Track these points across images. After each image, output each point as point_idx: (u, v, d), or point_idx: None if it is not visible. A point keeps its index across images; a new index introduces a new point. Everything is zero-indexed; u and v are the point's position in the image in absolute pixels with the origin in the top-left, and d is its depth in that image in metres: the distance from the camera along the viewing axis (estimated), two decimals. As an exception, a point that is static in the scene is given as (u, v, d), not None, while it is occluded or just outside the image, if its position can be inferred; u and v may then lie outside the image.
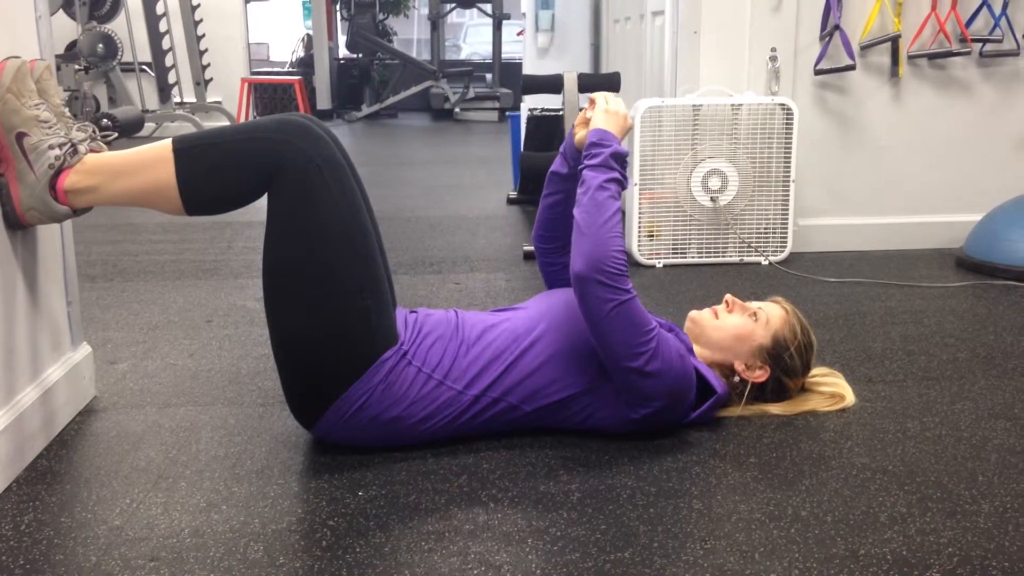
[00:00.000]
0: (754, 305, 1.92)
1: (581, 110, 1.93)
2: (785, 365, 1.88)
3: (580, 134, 1.89)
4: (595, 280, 1.65)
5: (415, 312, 1.85)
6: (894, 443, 1.82)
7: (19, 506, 1.56)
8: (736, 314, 1.90)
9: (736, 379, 1.89)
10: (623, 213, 1.76)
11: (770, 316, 1.88)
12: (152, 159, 1.65)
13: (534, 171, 4.00)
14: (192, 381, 2.17)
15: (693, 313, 1.94)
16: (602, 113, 1.84)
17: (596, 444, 1.80)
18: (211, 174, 1.66)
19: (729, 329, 1.88)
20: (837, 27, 3.37)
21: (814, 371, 1.99)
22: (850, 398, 1.99)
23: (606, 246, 1.67)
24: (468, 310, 1.90)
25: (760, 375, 1.88)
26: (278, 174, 1.64)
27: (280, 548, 1.43)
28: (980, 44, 3.47)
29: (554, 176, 1.99)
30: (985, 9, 3.43)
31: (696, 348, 1.89)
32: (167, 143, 1.66)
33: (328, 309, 1.65)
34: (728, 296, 1.93)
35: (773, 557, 1.40)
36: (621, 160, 1.78)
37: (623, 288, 1.67)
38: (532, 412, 1.76)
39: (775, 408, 1.92)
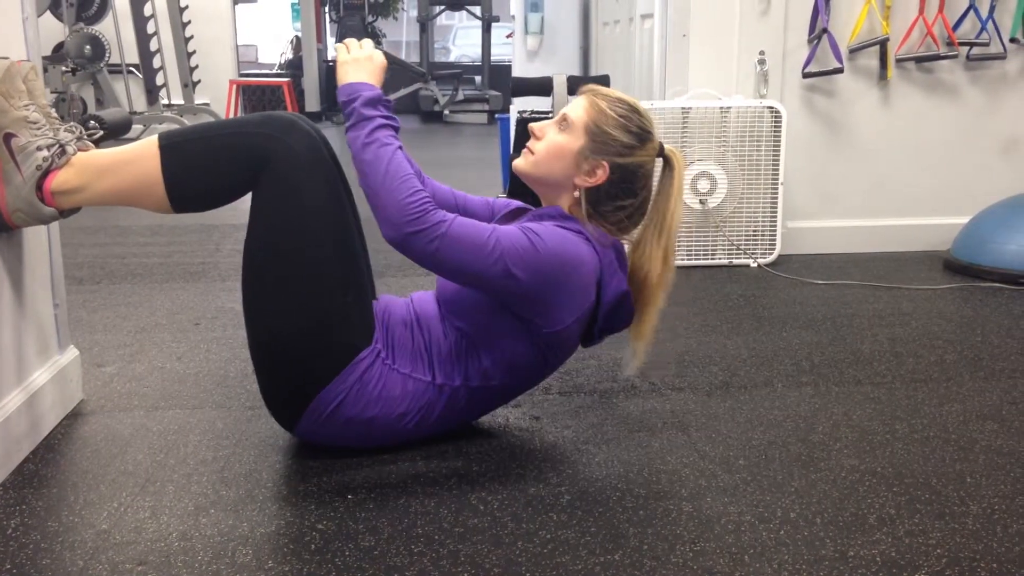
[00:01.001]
0: (560, 113, 1.75)
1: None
2: (613, 147, 1.69)
3: None
4: (408, 235, 1.56)
5: (376, 301, 1.80)
6: (882, 445, 1.82)
7: (5, 510, 1.55)
8: (546, 135, 1.74)
9: (577, 196, 1.73)
10: (402, 148, 1.65)
11: (572, 115, 1.72)
12: (138, 156, 1.64)
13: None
14: (180, 384, 2.16)
15: (513, 165, 1.79)
16: (344, 65, 1.70)
17: (585, 447, 1.80)
18: (197, 169, 1.65)
19: (543, 154, 1.73)
20: (825, 30, 3.38)
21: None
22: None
23: (396, 197, 1.56)
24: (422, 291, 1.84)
25: (600, 173, 1.70)
26: (264, 169, 1.63)
27: (269, 552, 1.43)
28: (967, 47, 3.48)
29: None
30: (972, 13, 3.45)
31: (553, 201, 1.76)
32: (153, 139, 1.66)
33: (306, 306, 1.64)
34: (531, 125, 1.78)
35: (762, 559, 1.40)
36: (376, 103, 1.64)
37: (434, 222, 1.56)
38: (499, 384, 1.74)
39: (671, 202, 1.74)
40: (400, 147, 1.63)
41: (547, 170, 1.73)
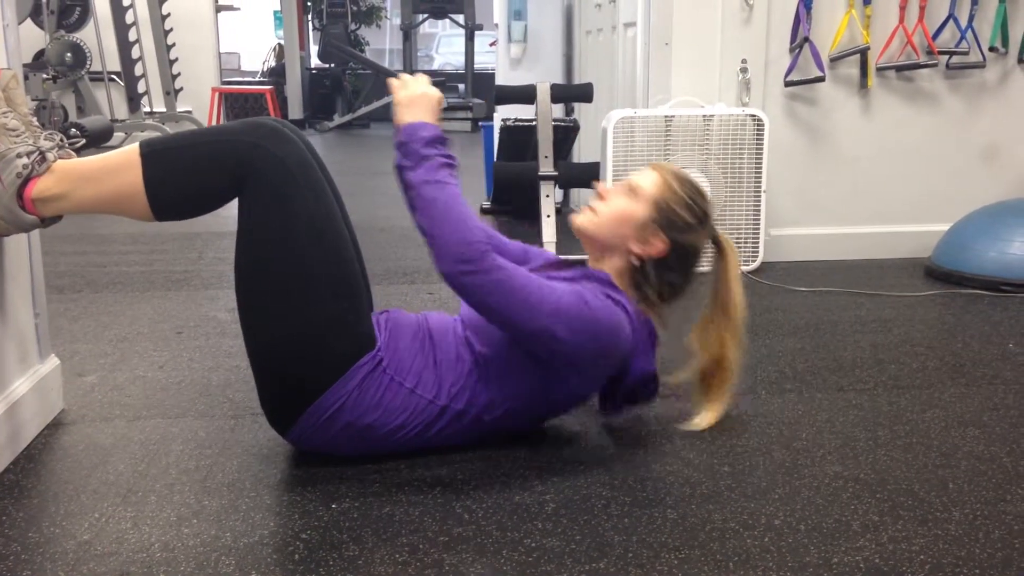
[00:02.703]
0: (627, 180, 1.81)
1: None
2: (678, 224, 1.75)
3: None
4: (461, 273, 1.58)
5: (386, 313, 1.81)
6: (865, 451, 1.83)
7: (-15, 521, 1.53)
8: (611, 198, 1.79)
9: (638, 262, 1.77)
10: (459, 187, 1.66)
11: (643, 185, 1.78)
12: (119, 163, 1.63)
13: (508, 181, 4.01)
14: (162, 393, 2.15)
15: (573, 223, 1.82)
16: (399, 107, 1.72)
17: (570, 454, 1.80)
18: (179, 177, 1.64)
19: (607, 216, 1.78)
20: (807, 39, 3.40)
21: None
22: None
23: (455, 236, 1.58)
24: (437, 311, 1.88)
25: (659, 245, 1.75)
26: (249, 177, 1.62)
27: (252, 562, 1.42)
28: (947, 56, 3.51)
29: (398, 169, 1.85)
30: (952, 22, 3.48)
31: (602, 263, 1.80)
32: (134, 147, 1.65)
33: (302, 312, 1.64)
34: (598, 186, 1.82)
35: (747, 566, 1.41)
36: (436, 143, 1.67)
37: (489, 266, 1.59)
38: (498, 418, 1.75)
39: (732, 288, 1.83)
40: (456, 185, 1.66)
41: (609, 232, 1.78)
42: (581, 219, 1.81)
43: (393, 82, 1.77)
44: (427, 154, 1.66)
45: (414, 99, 1.72)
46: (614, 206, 1.78)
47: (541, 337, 1.64)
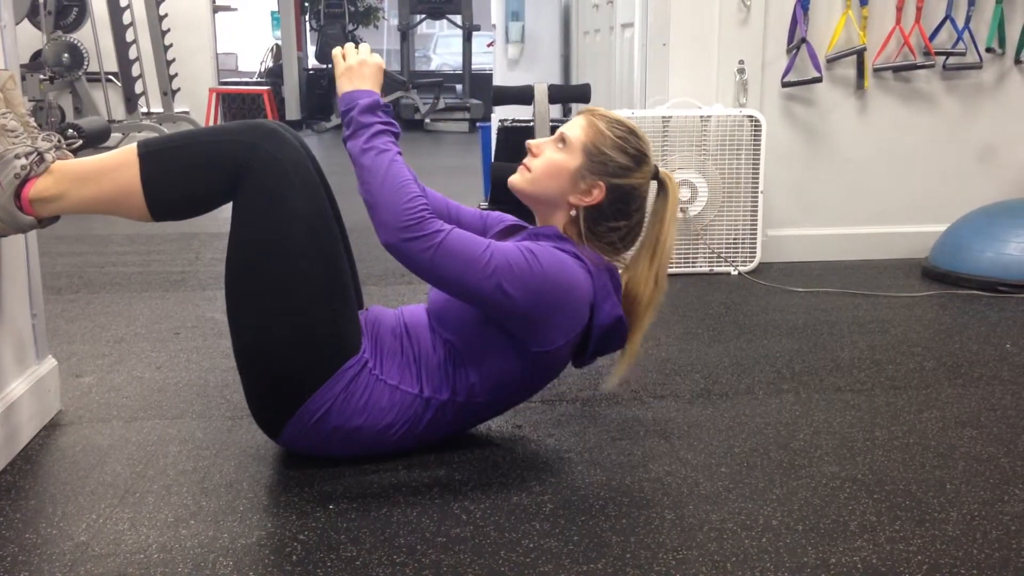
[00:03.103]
0: (558, 132, 1.75)
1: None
2: (611, 169, 1.70)
3: None
4: (403, 240, 1.56)
5: (366, 311, 1.80)
6: (863, 452, 1.83)
7: (-18, 523, 1.53)
8: (544, 152, 1.74)
9: (575, 214, 1.73)
10: (401, 154, 1.65)
11: (571, 134, 1.72)
12: (117, 164, 1.63)
13: (505, 181, 4.00)
14: (159, 394, 2.15)
15: (509, 182, 1.78)
16: (341, 77, 1.70)
17: (568, 455, 1.80)
18: (176, 177, 1.64)
19: (540, 171, 1.73)
20: (804, 40, 3.41)
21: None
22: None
23: (394, 204, 1.56)
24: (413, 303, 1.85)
25: (596, 193, 1.70)
26: (245, 177, 1.62)
27: (250, 563, 1.42)
28: (944, 57, 3.52)
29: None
30: (949, 23, 3.49)
31: (548, 220, 1.77)
32: (132, 147, 1.65)
33: (294, 313, 1.64)
34: (528, 142, 1.78)
35: (745, 567, 1.41)
36: (372, 109, 1.65)
37: (431, 230, 1.56)
38: (487, 400, 1.74)
39: (664, 228, 1.75)
40: (399, 152, 1.64)
41: (543, 188, 1.74)
42: (515, 178, 1.76)
43: (335, 53, 1.74)
44: (366, 121, 1.64)
45: (353, 68, 1.70)
46: (545, 159, 1.73)
47: (495, 297, 1.60)
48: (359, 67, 1.70)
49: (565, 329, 1.69)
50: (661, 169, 1.78)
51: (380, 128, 1.65)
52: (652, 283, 1.77)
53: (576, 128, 1.73)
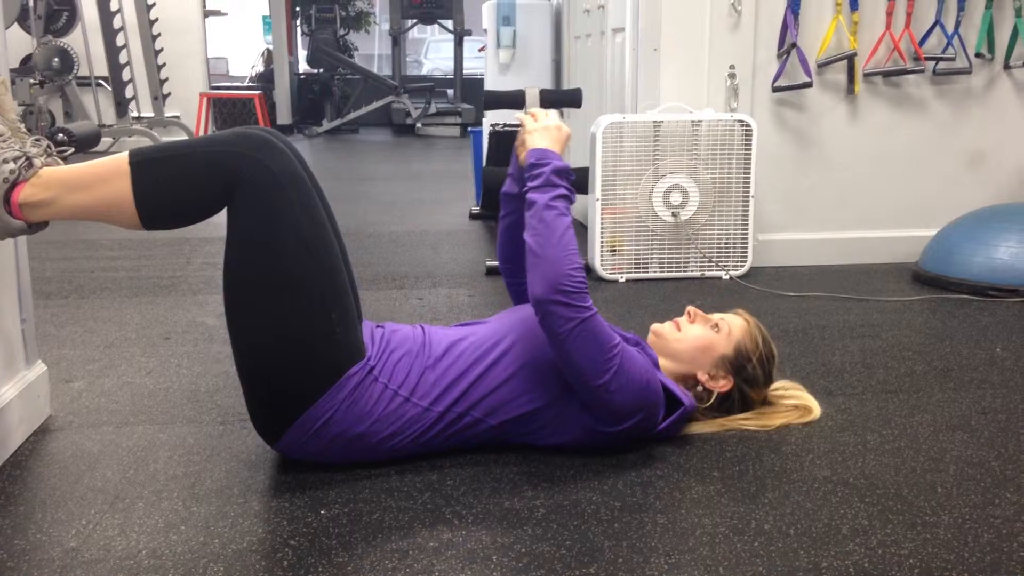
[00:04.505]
0: (715, 316, 1.92)
1: (518, 127, 1.90)
2: (747, 375, 1.88)
3: (521, 155, 1.86)
4: (554, 301, 1.64)
5: (382, 327, 1.83)
6: (854, 455, 1.83)
7: (-29, 529, 1.52)
8: (698, 325, 1.90)
9: (700, 389, 1.89)
10: (585, 227, 1.75)
11: (732, 327, 1.89)
12: (108, 172, 1.62)
13: (496, 186, 3.99)
14: (150, 399, 2.14)
15: (655, 326, 1.94)
16: (534, 132, 1.82)
17: (560, 459, 1.80)
18: (168, 187, 1.63)
19: (691, 340, 1.88)
20: (794, 45, 3.42)
21: (776, 384, 2.00)
22: (816, 410, 2.01)
23: (561, 265, 1.65)
24: (432, 324, 1.89)
25: (724, 385, 1.88)
26: (238, 187, 1.62)
27: (240, 569, 1.41)
28: (933, 62, 3.53)
29: (506, 197, 1.99)
30: (938, 28, 3.50)
31: (660, 361, 1.88)
32: (123, 156, 1.64)
33: (292, 323, 1.64)
34: (690, 307, 1.93)
35: (737, 571, 1.41)
36: (564, 174, 1.76)
37: (583, 306, 1.65)
38: (498, 425, 1.75)
39: (747, 423, 1.92)
40: (571, 222, 1.74)
41: (689, 356, 1.88)
42: (664, 327, 1.91)
43: (524, 116, 1.87)
44: (555, 182, 1.75)
45: (549, 129, 1.83)
46: (700, 333, 1.88)
47: (598, 390, 1.69)
48: (557, 131, 1.83)
49: (626, 430, 1.77)
50: (769, 395, 1.97)
51: (565, 192, 1.75)
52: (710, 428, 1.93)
53: (736, 324, 1.90)
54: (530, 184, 1.76)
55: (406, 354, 1.74)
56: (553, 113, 1.86)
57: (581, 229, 1.91)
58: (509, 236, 2.00)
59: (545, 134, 1.82)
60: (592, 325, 1.66)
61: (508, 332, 1.80)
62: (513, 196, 1.96)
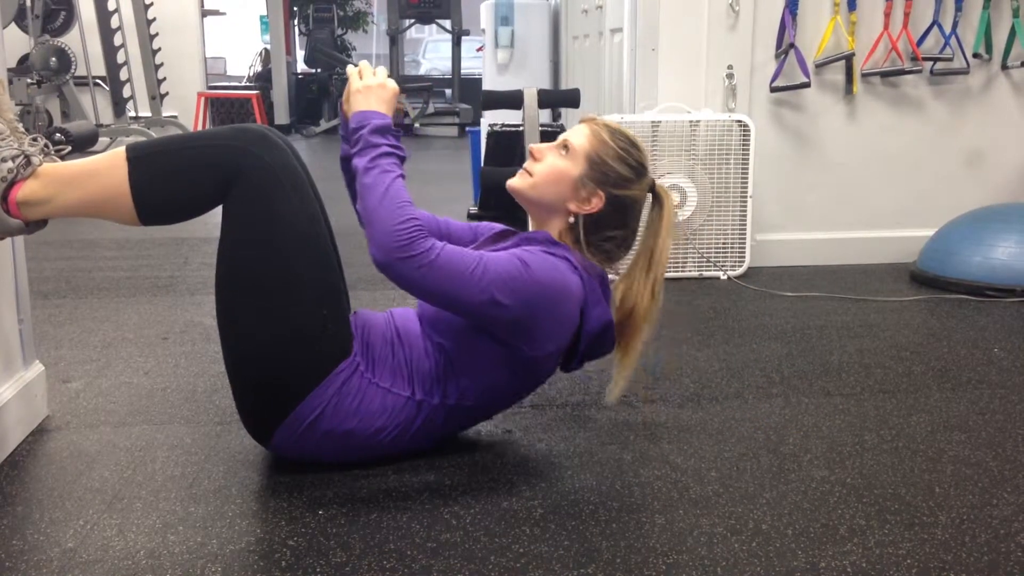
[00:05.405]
0: (561, 137, 1.77)
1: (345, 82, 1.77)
2: (611, 178, 1.72)
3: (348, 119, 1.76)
4: (393, 260, 1.56)
5: (355, 315, 1.79)
6: (852, 456, 1.83)
7: (-32, 529, 1.52)
8: (546, 158, 1.75)
9: (575, 219, 1.74)
10: (404, 177, 1.65)
11: (574, 141, 1.74)
12: (105, 168, 1.62)
13: (495, 186, 4.01)
14: (147, 399, 2.14)
15: (508, 184, 1.79)
16: (356, 94, 1.71)
17: (557, 459, 1.80)
18: (165, 181, 1.63)
19: (542, 176, 1.74)
20: (792, 45, 3.42)
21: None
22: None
23: (387, 223, 1.56)
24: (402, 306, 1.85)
25: (595, 202, 1.73)
26: (235, 181, 1.62)
27: (238, 569, 1.41)
28: (931, 62, 3.53)
29: (343, 163, 1.88)
30: (936, 28, 3.50)
31: (544, 225, 1.78)
32: (120, 151, 1.64)
33: (284, 316, 1.63)
34: (531, 146, 1.80)
35: (735, 571, 1.41)
36: (384, 132, 1.67)
37: (422, 250, 1.56)
38: (476, 404, 1.74)
39: (661, 239, 1.77)
40: (401, 175, 1.64)
41: (544, 193, 1.75)
42: (515, 181, 1.78)
43: (351, 70, 1.76)
44: (375, 141, 1.65)
45: (371, 88, 1.71)
46: (548, 165, 1.74)
47: (487, 309, 1.60)
48: (377, 89, 1.71)
49: (556, 334, 1.70)
50: (657, 182, 1.80)
51: (387, 150, 1.66)
52: (649, 295, 1.79)
53: (580, 136, 1.75)
54: (353, 151, 1.68)
55: (382, 346, 1.73)
56: (381, 70, 1.75)
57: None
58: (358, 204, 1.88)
59: (367, 94, 1.70)
60: (441, 261, 1.57)
61: (424, 323, 1.76)
62: (347, 160, 1.83)
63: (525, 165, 1.78)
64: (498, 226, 1.94)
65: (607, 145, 1.73)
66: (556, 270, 1.66)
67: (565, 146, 1.74)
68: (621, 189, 1.73)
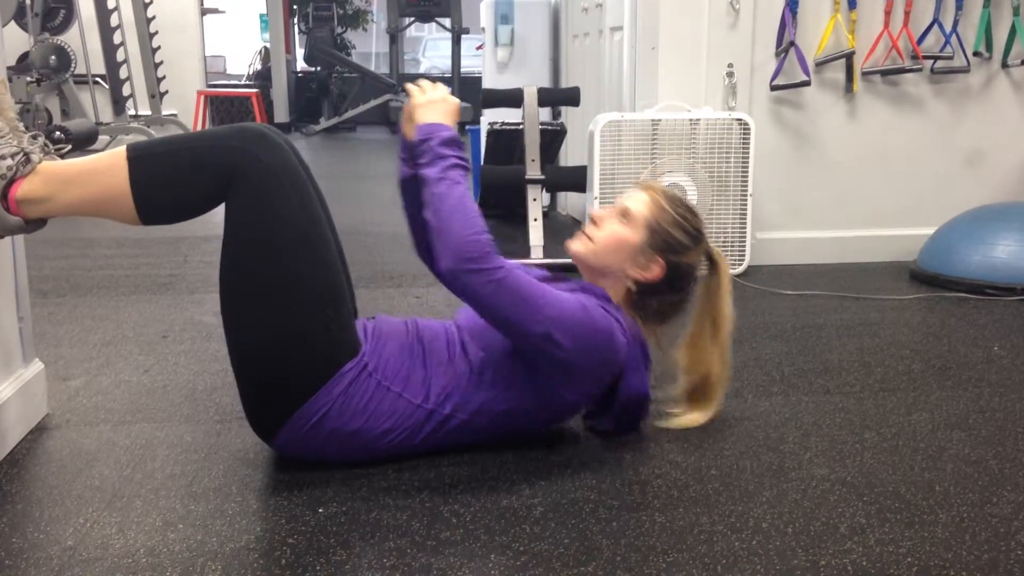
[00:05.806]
0: (619, 204, 1.82)
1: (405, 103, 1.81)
2: (671, 246, 1.78)
3: (409, 132, 1.80)
4: (463, 271, 1.58)
5: (373, 320, 1.82)
6: (852, 454, 1.83)
7: (-32, 527, 1.52)
8: (606, 224, 1.80)
9: (635, 286, 1.79)
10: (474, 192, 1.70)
11: (634, 208, 1.79)
12: (106, 167, 1.62)
13: (495, 184, 4.01)
14: (147, 398, 2.13)
15: (569, 249, 1.84)
16: (419, 108, 1.76)
17: (558, 458, 1.80)
18: (165, 181, 1.63)
19: (603, 243, 1.79)
20: (792, 44, 3.42)
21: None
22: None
23: (460, 234, 1.59)
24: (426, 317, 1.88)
25: (656, 269, 1.78)
26: (235, 181, 1.62)
27: (238, 567, 1.41)
28: (931, 61, 3.53)
29: (403, 185, 1.92)
30: (936, 27, 3.50)
31: (598, 285, 1.81)
32: (121, 150, 1.64)
33: (288, 318, 1.63)
34: (591, 211, 1.84)
35: (735, 569, 1.41)
36: (451, 144, 1.70)
37: (493, 267, 1.59)
38: (488, 425, 1.75)
39: (722, 303, 1.84)
40: (467, 188, 1.68)
41: (605, 260, 1.80)
42: (577, 246, 1.83)
43: (411, 87, 1.80)
44: (443, 153, 1.69)
45: (435, 102, 1.77)
46: (609, 232, 1.79)
47: (540, 341, 1.64)
48: (441, 102, 1.76)
49: (590, 387, 1.76)
50: (712, 247, 1.86)
51: (455, 162, 1.69)
52: (719, 360, 1.89)
53: (639, 203, 1.80)
54: (420, 162, 1.70)
55: (398, 349, 1.73)
56: (441, 86, 1.80)
57: (579, 227, 1.91)
58: (417, 224, 1.92)
59: (432, 107, 1.75)
60: (509, 281, 1.60)
61: (464, 332, 1.78)
62: (409, 181, 1.88)
63: (586, 230, 1.83)
64: (543, 272, 1.95)
65: (666, 212, 1.78)
66: (612, 325, 1.71)
67: (625, 213, 1.79)
68: (680, 256, 1.79)
